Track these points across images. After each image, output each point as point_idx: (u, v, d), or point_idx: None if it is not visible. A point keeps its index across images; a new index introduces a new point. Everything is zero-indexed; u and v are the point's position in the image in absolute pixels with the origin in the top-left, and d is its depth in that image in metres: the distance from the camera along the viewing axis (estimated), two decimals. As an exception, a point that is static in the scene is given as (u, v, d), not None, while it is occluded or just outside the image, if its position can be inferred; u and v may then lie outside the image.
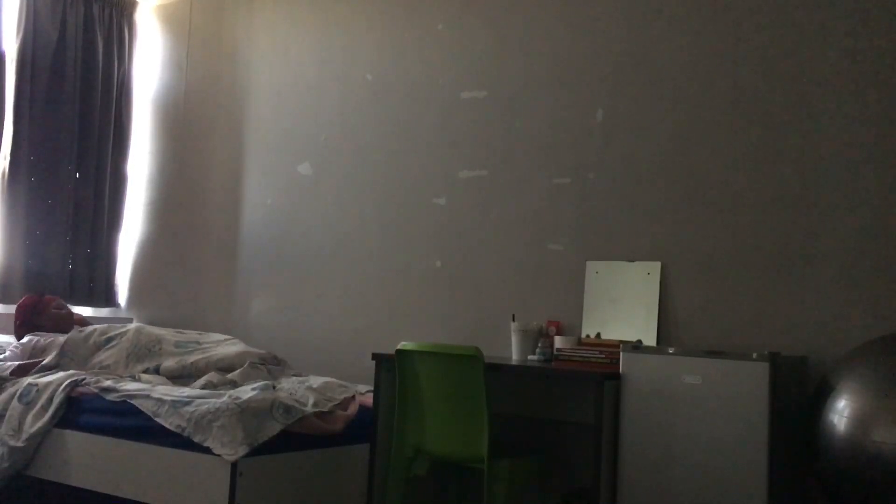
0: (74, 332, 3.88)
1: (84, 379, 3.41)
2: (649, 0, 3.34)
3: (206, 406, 2.88)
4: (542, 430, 3.30)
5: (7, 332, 4.18)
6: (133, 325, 3.98)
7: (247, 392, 3.03)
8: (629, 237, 3.29)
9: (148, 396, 3.07)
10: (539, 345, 3.20)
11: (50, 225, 4.47)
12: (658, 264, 3.21)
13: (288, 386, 3.33)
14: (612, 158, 3.37)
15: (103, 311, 4.77)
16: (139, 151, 4.98)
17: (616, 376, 2.74)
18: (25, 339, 3.89)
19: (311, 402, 3.08)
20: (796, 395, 2.69)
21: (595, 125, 3.42)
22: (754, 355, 2.51)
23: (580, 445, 3.16)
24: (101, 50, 4.70)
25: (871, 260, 2.81)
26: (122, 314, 4.86)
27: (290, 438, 2.91)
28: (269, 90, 4.51)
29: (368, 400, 3.24)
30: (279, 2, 4.53)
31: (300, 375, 3.67)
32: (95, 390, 3.28)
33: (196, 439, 2.84)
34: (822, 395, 2.57)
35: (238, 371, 3.48)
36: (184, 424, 2.89)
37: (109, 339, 3.83)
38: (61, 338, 3.85)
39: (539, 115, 3.57)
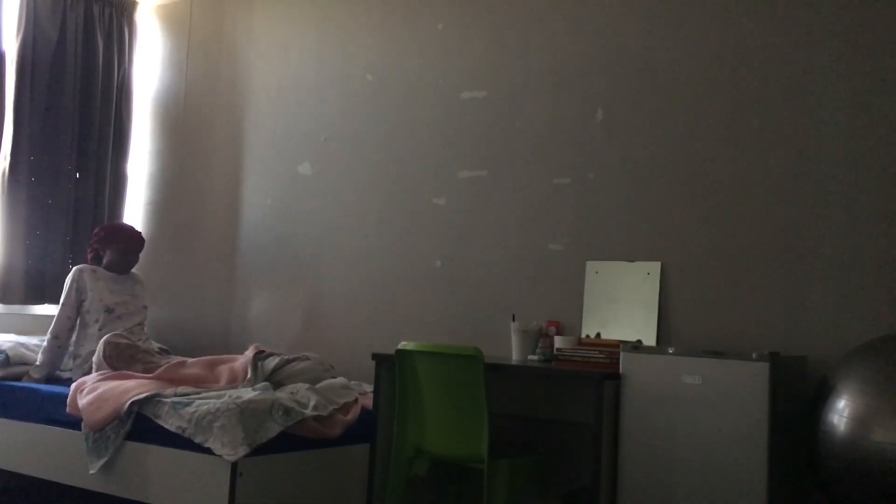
0: None
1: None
2: (649, 0, 3.34)
3: (206, 406, 2.88)
4: (542, 430, 3.31)
5: (6, 332, 4.18)
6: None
7: (247, 392, 3.03)
8: (629, 237, 3.29)
9: (148, 398, 3.07)
10: (539, 345, 3.20)
11: (50, 225, 4.47)
12: (658, 264, 3.21)
13: (291, 385, 3.32)
14: (612, 158, 3.37)
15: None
16: (139, 151, 4.98)
17: (616, 376, 2.74)
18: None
19: (311, 404, 3.05)
20: (796, 395, 2.69)
21: (595, 125, 3.42)
22: (754, 355, 2.51)
23: (580, 445, 3.17)
24: (101, 50, 4.70)
25: (870, 260, 2.81)
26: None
27: (291, 439, 2.92)
28: (269, 90, 4.50)
29: (370, 401, 3.23)
30: (279, 2, 4.53)
31: None
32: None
33: (196, 440, 2.84)
34: (821, 395, 2.57)
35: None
36: (184, 425, 2.89)
37: None
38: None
39: (539, 115, 3.57)
